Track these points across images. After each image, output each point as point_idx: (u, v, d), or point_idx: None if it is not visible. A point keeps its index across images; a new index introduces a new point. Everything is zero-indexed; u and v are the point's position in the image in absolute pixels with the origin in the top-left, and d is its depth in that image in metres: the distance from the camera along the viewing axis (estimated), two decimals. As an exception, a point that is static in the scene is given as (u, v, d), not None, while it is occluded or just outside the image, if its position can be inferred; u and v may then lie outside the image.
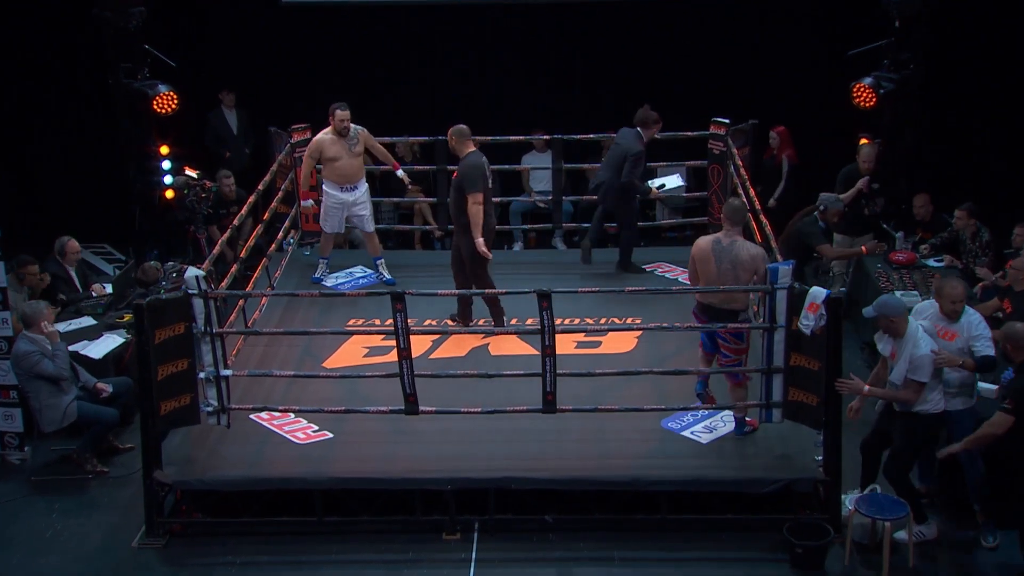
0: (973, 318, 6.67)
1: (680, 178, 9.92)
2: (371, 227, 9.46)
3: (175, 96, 9.75)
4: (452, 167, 8.43)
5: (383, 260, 9.53)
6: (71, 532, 7.08)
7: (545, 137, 10.58)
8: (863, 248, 9.40)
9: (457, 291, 8.12)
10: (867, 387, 6.63)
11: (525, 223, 11.28)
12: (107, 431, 7.79)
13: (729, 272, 6.94)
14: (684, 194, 10.20)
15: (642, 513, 6.90)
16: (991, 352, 6.56)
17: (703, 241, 7.09)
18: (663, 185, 9.69)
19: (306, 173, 9.31)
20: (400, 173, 9.49)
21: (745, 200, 8.25)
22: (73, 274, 9.25)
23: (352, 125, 9.13)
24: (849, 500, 6.75)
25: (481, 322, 8.56)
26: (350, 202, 9.30)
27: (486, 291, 8.13)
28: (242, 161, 11.40)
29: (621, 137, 9.40)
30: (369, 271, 9.79)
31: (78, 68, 11.07)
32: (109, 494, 7.46)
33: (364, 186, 9.40)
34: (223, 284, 7.79)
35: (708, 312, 7.04)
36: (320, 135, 9.21)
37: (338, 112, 9.08)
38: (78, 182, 11.30)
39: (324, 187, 9.34)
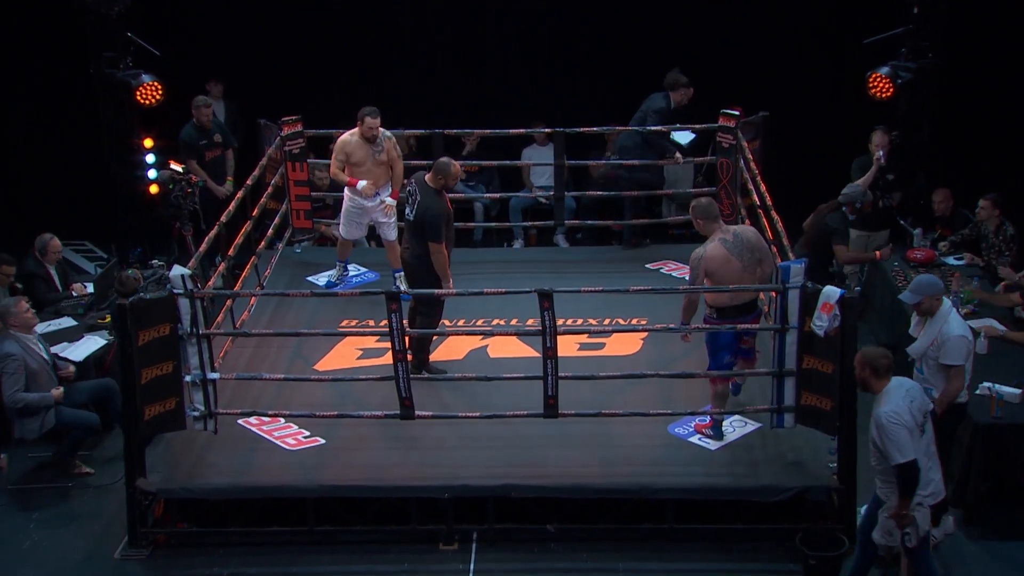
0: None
1: (689, 132, 9.85)
2: (393, 235, 8.96)
3: (159, 86, 9.70)
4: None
5: (402, 273, 8.55)
6: (50, 543, 6.97)
7: (546, 130, 10.47)
8: (876, 253, 9.22)
9: (456, 291, 7.85)
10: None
11: (526, 219, 11.18)
12: (87, 436, 7.68)
13: (751, 261, 6.89)
14: (691, 189, 10.08)
15: (648, 522, 6.81)
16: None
17: (712, 249, 6.88)
18: (688, 134, 9.73)
19: (337, 173, 8.78)
20: (388, 200, 8.88)
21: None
22: (53, 273, 9.07)
23: (381, 130, 8.74)
24: (864, 509, 6.55)
25: (479, 322, 8.50)
26: (370, 208, 8.90)
27: (485, 290, 7.88)
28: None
29: (648, 100, 9.62)
30: (363, 269, 9.65)
31: (58, 57, 10.92)
32: (90, 503, 7.39)
33: (387, 192, 8.91)
34: (210, 283, 7.76)
35: (731, 312, 6.91)
36: (346, 136, 8.78)
37: (368, 119, 8.64)
38: (58, 177, 11.22)
39: (346, 191, 8.95)
